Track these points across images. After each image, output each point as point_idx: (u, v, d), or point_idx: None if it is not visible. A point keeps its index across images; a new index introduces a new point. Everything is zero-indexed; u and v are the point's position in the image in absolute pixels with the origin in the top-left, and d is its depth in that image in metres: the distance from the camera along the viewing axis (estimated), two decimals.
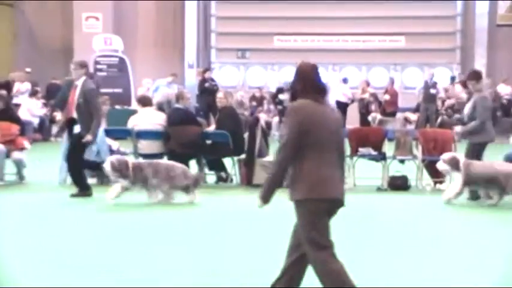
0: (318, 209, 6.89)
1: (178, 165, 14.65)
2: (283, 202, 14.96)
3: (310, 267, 7.21)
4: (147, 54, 33.27)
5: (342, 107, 30.86)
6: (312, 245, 6.92)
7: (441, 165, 14.62)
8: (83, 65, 15.72)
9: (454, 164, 14.32)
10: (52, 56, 32.69)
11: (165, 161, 15.62)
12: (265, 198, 7.09)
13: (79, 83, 15.17)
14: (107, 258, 9.99)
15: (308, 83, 6.98)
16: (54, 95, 28.18)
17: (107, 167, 14.28)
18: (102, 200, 14.34)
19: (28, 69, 29.00)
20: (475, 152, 15.01)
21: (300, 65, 7.19)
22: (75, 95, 15.08)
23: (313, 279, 7.07)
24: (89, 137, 14.65)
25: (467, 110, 15.12)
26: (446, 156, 14.62)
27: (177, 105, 17.79)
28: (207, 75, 29.43)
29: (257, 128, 16.81)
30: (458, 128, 15.60)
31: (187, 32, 34.01)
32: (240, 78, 34.69)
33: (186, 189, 14.46)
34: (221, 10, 35.10)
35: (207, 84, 28.54)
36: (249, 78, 34.88)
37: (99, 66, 30.26)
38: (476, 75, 15.44)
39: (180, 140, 16.72)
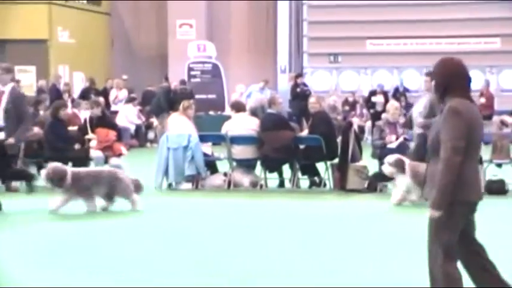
0: (465, 211, 6.61)
1: (121, 173, 14.18)
2: (373, 206, 15.00)
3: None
4: (240, 60, 33.41)
5: None
6: (445, 251, 6.63)
7: (386, 168, 14.62)
8: (9, 70, 15.55)
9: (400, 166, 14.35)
10: (147, 63, 33.11)
11: (107, 168, 15.14)
12: (441, 207, 6.45)
13: (6, 89, 14.82)
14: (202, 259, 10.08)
15: (462, 81, 6.59)
16: (150, 102, 28.63)
17: (42, 175, 14.04)
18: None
19: (125, 77, 29.41)
20: None
21: (452, 61, 6.71)
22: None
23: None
24: (11, 140, 14.62)
25: None
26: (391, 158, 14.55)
27: (269, 111, 17.84)
28: (299, 80, 29.46)
29: (350, 133, 16.75)
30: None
31: (279, 37, 34.00)
32: (332, 83, 34.29)
33: (128, 197, 14.02)
34: (313, 14, 34.84)
35: (299, 89, 28.56)
36: (341, 82, 34.44)
37: (193, 73, 30.52)
38: None
39: (273, 145, 16.75)
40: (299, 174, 17.18)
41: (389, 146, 16.02)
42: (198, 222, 13.34)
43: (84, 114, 20.97)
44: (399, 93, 29.66)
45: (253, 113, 17.83)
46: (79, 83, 29.40)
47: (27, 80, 28.31)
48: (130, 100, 26.96)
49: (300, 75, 30.63)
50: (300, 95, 28.00)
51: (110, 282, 9.02)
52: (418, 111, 15.38)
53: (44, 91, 25.29)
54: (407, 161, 14.38)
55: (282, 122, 17.53)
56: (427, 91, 15.38)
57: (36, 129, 18.82)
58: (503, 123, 18.55)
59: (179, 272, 9.82)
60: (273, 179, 17.70)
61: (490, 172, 16.33)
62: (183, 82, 28.70)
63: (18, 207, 14.63)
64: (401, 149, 15.90)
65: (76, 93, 27.98)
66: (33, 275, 9.20)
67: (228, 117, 18.79)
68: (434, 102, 14.10)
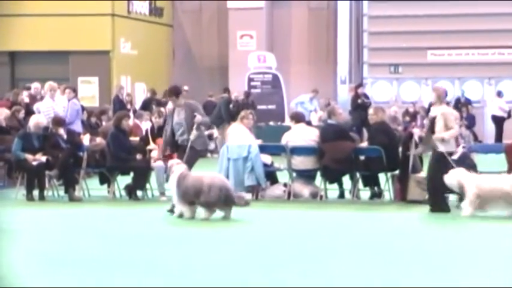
0: None
1: None
2: (434, 218, 14.86)
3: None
4: (300, 70, 33.42)
5: (498, 121, 30.37)
6: None
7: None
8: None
9: None
10: (208, 74, 33.27)
11: None
12: None
13: None
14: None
15: None
16: (210, 113, 28.75)
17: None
18: None
19: (186, 87, 29.57)
20: None
21: None
22: None
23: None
24: None
25: None
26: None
27: (329, 121, 17.85)
28: (360, 90, 29.40)
29: (411, 143, 16.67)
30: None
31: (339, 48, 33.97)
32: (393, 93, 34.16)
33: None
34: (373, 25, 34.64)
35: (360, 101, 28.51)
36: (402, 93, 34.27)
37: (253, 83, 30.62)
38: None
39: (333, 156, 16.74)
40: (359, 185, 17.14)
41: (452, 156, 15.87)
42: (257, 232, 13.36)
43: (146, 125, 21.09)
44: (461, 104, 29.49)
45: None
46: (140, 94, 29.61)
47: (90, 91, 28.57)
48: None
49: (360, 85, 30.57)
50: (360, 106, 27.97)
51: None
52: None
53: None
54: (470, 174, 14.34)
55: (342, 132, 17.51)
56: None
57: (99, 140, 19.06)
58: None
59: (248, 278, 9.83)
60: (333, 189, 17.60)
61: None
62: (247, 94, 28.82)
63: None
64: (463, 160, 15.75)
65: (138, 104, 28.17)
66: None
67: (288, 128, 18.78)
68: None
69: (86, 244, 12.32)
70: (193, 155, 15.02)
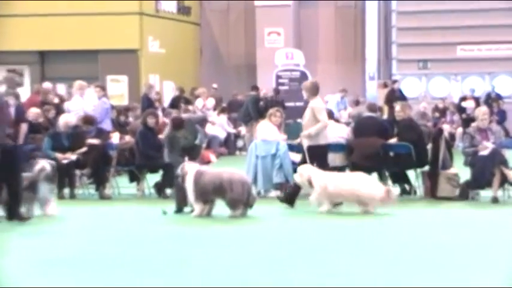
0: None
1: None
2: (464, 214, 14.82)
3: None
4: (328, 67, 33.43)
5: None
6: None
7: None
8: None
9: None
10: (236, 72, 33.34)
11: None
12: None
13: None
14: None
15: None
16: (235, 111, 28.84)
17: None
18: None
19: (215, 85, 29.70)
20: None
21: None
22: None
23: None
24: None
25: None
26: None
27: (368, 114, 17.93)
28: (396, 86, 29.37)
29: (440, 140, 16.64)
30: None
31: (368, 44, 33.97)
32: (422, 89, 33.99)
33: None
34: (402, 21, 34.56)
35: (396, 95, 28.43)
36: (431, 88, 34.11)
37: (281, 81, 30.64)
38: None
39: (362, 152, 16.75)
40: (389, 181, 17.11)
41: (481, 153, 15.85)
42: (286, 228, 13.41)
43: None
44: (491, 99, 29.36)
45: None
46: (169, 92, 29.71)
47: (119, 89, 28.70)
48: (222, 111, 27.18)
49: (396, 81, 30.49)
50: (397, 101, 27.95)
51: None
52: None
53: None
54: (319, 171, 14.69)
55: (378, 125, 17.56)
56: None
57: (128, 138, 19.17)
58: None
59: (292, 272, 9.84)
60: None
61: None
62: (276, 91, 28.84)
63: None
64: (494, 156, 15.75)
65: (166, 102, 28.28)
66: None
67: None
68: None
69: (116, 242, 12.41)
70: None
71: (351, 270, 10.09)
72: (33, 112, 19.22)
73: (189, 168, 14.35)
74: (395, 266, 10.30)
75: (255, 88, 29.72)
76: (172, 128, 16.92)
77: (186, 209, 14.46)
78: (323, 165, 15.19)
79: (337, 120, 19.29)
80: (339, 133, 17.55)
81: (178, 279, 9.61)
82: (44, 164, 14.11)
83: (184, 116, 17.52)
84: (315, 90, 15.85)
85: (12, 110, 13.46)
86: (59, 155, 17.21)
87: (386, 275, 9.79)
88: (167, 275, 10.08)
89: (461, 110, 28.14)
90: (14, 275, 10.06)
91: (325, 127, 15.43)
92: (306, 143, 15.34)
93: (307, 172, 14.59)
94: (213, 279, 9.59)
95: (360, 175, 14.88)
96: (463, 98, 29.49)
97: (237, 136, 27.42)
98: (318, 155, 15.28)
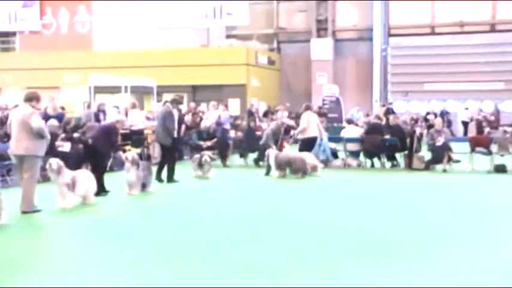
0: None
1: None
2: (427, 178, 14.81)
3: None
4: (350, 94, 33.14)
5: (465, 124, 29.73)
6: None
7: None
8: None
9: None
10: (299, 97, 33.05)
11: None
12: None
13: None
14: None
15: None
16: (300, 118, 28.80)
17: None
18: None
19: (288, 104, 29.75)
20: None
21: None
22: None
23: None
24: None
25: None
26: None
27: (375, 121, 18.28)
28: (390, 106, 28.70)
29: (414, 136, 16.97)
30: None
31: (374, 81, 33.44)
32: (404, 108, 32.54)
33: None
34: (394, 69, 33.46)
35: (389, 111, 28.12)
36: (410, 107, 32.78)
37: (325, 102, 30.40)
38: None
39: (371, 143, 17.01)
40: (385, 160, 17.13)
41: (437, 144, 15.91)
42: (329, 183, 13.57)
43: (265, 125, 21.43)
44: (443, 114, 28.89)
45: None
46: (262, 108, 29.83)
47: (235, 106, 28.92)
48: (291, 118, 27.23)
49: (390, 103, 30.05)
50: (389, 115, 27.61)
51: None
52: None
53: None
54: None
55: (380, 128, 17.70)
56: None
57: (239, 133, 19.44)
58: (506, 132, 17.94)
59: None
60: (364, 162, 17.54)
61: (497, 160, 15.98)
62: (319, 108, 28.83)
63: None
64: (444, 146, 15.89)
65: (261, 113, 28.43)
66: None
67: (344, 127, 18.91)
68: None
69: (235, 187, 12.74)
70: None
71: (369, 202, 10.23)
72: (188, 118, 19.64)
73: (271, 152, 14.74)
74: (389, 201, 10.46)
75: (308, 106, 29.66)
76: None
77: (272, 173, 14.71)
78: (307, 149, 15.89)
79: (356, 125, 19.30)
80: (356, 132, 17.60)
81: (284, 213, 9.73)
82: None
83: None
84: (305, 108, 17.07)
85: (176, 117, 13.69)
86: (201, 143, 17.59)
87: (390, 211, 9.93)
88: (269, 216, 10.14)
89: (426, 120, 27.80)
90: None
91: (304, 129, 16.41)
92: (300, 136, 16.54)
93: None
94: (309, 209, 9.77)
95: (306, 153, 15.31)
96: (428, 113, 29.16)
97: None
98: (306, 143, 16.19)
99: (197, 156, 14.82)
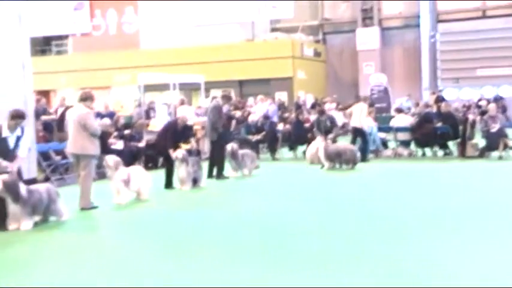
0: None
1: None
2: (482, 165, 14.59)
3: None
4: (399, 83, 32.73)
5: None
6: None
7: None
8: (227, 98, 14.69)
9: None
10: (346, 88, 33.07)
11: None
12: None
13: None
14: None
15: None
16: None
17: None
18: None
19: (335, 96, 29.60)
20: None
21: None
22: None
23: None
24: None
25: None
26: None
27: (427, 110, 18.03)
28: (439, 93, 28.40)
29: (467, 124, 16.83)
30: None
31: (423, 69, 33.09)
32: (455, 95, 31.82)
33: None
34: (443, 55, 32.82)
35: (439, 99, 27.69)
36: (461, 94, 32.08)
37: (373, 92, 30.14)
38: None
39: (421, 132, 16.95)
40: (437, 148, 16.94)
41: (492, 130, 15.66)
42: (378, 173, 13.48)
43: (313, 117, 21.36)
44: (497, 99, 28.20)
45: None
46: (310, 100, 29.75)
47: (282, 99, 28.86)
48: (339, 109, 27.09)
49: (440, 90, 29.58)
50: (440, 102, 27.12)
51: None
52: None
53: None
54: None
55: (430, 117, 17.51)
56: None
57: (287, 126, 19.48)
58: None
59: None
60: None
61: None
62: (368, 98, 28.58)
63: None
64: (499, 132, 15.63)
65: (308, 105, 28.37)
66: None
67: (393, 117, 18.71)
68: None
69: (286, 178, 12.78)
70: None
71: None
72: (236, 114, 19.77)
73: (321, 143, 14.75)
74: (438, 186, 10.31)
75: (357, 97, 29.50)
76: (318, 115, 17.27)
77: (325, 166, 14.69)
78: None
79: (405, 114, 19.09)
80: (406, 121, 17.42)
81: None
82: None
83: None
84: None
85: (224, 111, 13.80)
86: (250, 137, 17.70)
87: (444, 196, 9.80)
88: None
89: (478, 106, 27.19)
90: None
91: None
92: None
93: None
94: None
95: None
96: (480, 99, 28.52)
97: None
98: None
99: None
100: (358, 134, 16.16)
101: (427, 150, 17.10)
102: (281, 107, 25.60)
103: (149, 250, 6.87)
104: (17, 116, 8.51)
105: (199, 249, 6.78)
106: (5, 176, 8.16)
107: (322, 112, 17.63)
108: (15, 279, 5.77)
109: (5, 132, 8.38)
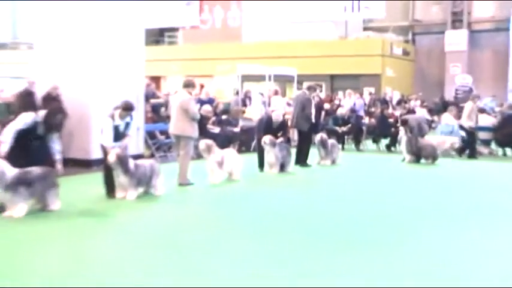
0: None
1: None
2: None
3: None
4: (485, 84, 31.18)
5: None
6: None
7: None
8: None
9: None
10: (432, 87, 32.09)
11: None
12: None
13: None
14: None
15: None
16: (431, 108, 27.61)
17: None
18: None
19: (420, 94, 28.73)
20: None
21: None
22: None
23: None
24: None
25: None
26: None
27: (510, 112, 16.78)
28: None
29: None
30: None
31: (510, 71, 31.32)
32: None
33: None
34: None
35: None
36: None
37: (458, 92, 28.93)
38: None
39: (501, 133, 15.95)
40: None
41: None
42: (460, 174, 12.92)
43: (397, 112, 20.83)
44: None
45: None
46: (396, 97, 28.91)
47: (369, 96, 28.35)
48: (423, 106, 26.24)
49: None
50: None
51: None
52: None
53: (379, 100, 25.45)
54: None
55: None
56: None
57: (372, 120, 19.04)
58: None
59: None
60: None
61: None
62: (440, 98, 27.50)
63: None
64: None
65: (394, 101, 27.67)
66: None
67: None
68: None
69: (366, 170, 12.52)
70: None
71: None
72: (326, 107, 19.59)
73: (404, 137, 14.34)
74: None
75: (442, 97, 28.54)
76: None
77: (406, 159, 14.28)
78: None
79: (488, 114, 18.16)
80: (488, 121, 16.58)
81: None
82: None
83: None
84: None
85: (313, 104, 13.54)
86: (337, 128, 17.48)
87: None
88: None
89: None
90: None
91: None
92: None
93: None
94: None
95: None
96: None
97: (432, 121, 26.32)
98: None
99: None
100: (464, 131, 15.62)
101: (508, 150, 16.19)
102: (372, 102, 24.98)
103: (237, 224, 7.02)
104: (128, 108, 8.80)
105: (279, 228, 6.80)
106: (118, 150, 8.46)
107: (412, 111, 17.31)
108: (124, 236, 6.32)
109: (117, 121, 8.69)
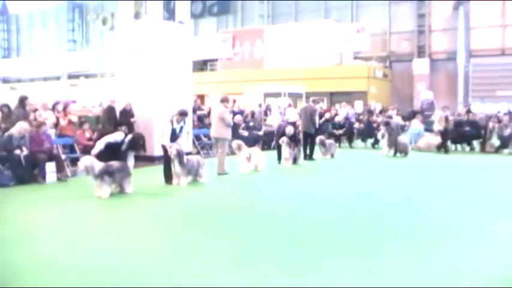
0: None
1: None
2: None
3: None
4: None
5: None
6: None
7: None
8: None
9: None
10: (405, 100, 31.03)
11: None
12: None
13: None
14: None
15: None
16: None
17: None
18: None
19: (396, 105, 27.82)
20: None
21: None
22: None
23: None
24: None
25: None
26: None
27: None
28: None
29: None
30: None
31: None
32: None
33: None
34: None
35: None
36: None
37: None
38: None
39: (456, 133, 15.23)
40: (465, 145, 15.28)
41: (504, 134, 13.84)
42: (422, 162, 12.43)
43: (379, 119, 20.12)
44: (510, 113, 24.71)
45: None
46: (378, 108, 27.71)
47: (359, 107, 27.53)
48: (398, 114, 25.49)
49: (470, 105, 26.67)
50: None
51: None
52: None
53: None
54: None
55: (462, 123, 15.63)
56: None
57: (361, 125, 18.44)
58: None
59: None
60: None
61: None
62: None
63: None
64: (510, 136, 13.73)
65: (377, 111, 26.83)
66: None
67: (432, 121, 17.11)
68: None
69: (374, 165, 12.08)
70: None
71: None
72: (327, 114, 19.04)
73: (385, 136, 13.84)
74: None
75: (412, 108, 27.66)
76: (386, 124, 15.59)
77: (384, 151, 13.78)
78: None
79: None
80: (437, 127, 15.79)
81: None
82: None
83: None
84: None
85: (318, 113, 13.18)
86: (335, 131, 17.04)
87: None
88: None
89: (496, 117, 22.59)
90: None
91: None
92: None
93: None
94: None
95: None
96: (498, 112, 24.90)
97: (404, 125, 25.41)
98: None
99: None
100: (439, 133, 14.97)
101: (458, 146, 15.66)
102: (363, 111, 24.00)
103: (260, 201, 6.93)
104: (183, 114, 8.82)
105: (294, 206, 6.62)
106: (177, 146, 8.47)
107: (389, 118, 16.58)
108: (179, 210, 6.55)
109: (175, 124, 8.67)
